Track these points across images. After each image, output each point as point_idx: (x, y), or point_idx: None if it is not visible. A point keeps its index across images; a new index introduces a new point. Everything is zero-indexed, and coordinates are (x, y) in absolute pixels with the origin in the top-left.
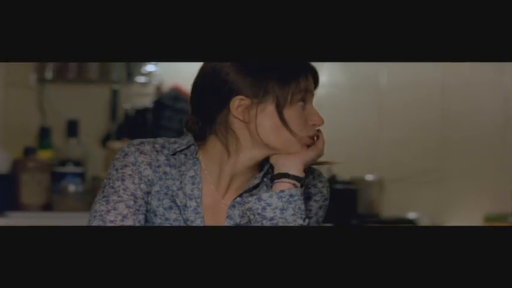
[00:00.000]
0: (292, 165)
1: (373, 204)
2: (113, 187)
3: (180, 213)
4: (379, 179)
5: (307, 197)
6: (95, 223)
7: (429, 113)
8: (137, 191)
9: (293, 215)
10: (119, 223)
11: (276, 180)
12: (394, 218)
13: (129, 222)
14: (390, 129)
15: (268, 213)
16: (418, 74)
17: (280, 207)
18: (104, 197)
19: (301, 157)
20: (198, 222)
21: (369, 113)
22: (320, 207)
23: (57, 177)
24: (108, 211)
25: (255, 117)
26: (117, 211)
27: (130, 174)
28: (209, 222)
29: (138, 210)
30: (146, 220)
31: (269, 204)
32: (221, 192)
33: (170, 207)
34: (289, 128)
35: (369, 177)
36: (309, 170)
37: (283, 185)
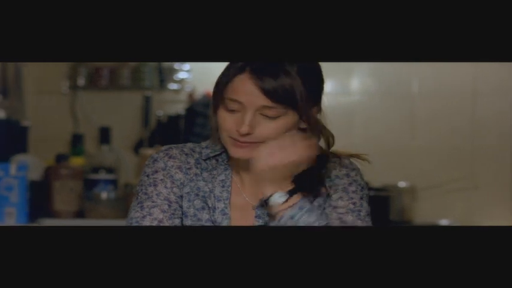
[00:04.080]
0: (266, 190)
1: (406, 211)
2: (146, 193)
3: (210, 215)
4: (411, 186)
5: (343, 190)
6: None
7: (461, 120)
8: (170, 195)
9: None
10: None
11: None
12: (426, 225)
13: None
14: (422, 136)
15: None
16: (450, 80)
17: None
18: (138, 203)
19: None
20: (225, 223)
21: (401, 120)
22: (361, 198)
23: (89, 184)
24: (144, 217)
25: None
26: (152, 216)
27: (162, 179)
28: (238, 223)
29: (173, 214)
30: None
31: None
32: (249, 193)
33: (203, 208)
34: (216, 125)
35: (402, 184)
36: (336, 160)
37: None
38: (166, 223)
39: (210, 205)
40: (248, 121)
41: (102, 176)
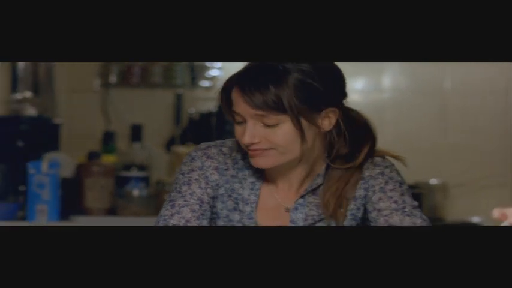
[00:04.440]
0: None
1: (438, 208)
2: (179, 191)
3: (240, 216)
4: (443, 184)
5: (380, 190)
6: None
7: (493, 117)
8: (204, 195)
9: None
10: None
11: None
12: (458, 222)
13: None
14: (454, 134)
15: None
16: (482, 77)
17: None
18: (170, 201)
19: None
20: None
21: (433, 117)
22: (402, 194)
23: (121, 182)
24: (172, 215)
25: None
26: (180, 215)
27: (197, 179)
28: (271, 225)
29: (202, 215)
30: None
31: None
32: (282, 195)
33: (235, 209)
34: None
35: (433, 181)
36: (368, 159)
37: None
38: (194, 223)
39: (241, 208)
40: (249, 132)
41: (134, 173)
